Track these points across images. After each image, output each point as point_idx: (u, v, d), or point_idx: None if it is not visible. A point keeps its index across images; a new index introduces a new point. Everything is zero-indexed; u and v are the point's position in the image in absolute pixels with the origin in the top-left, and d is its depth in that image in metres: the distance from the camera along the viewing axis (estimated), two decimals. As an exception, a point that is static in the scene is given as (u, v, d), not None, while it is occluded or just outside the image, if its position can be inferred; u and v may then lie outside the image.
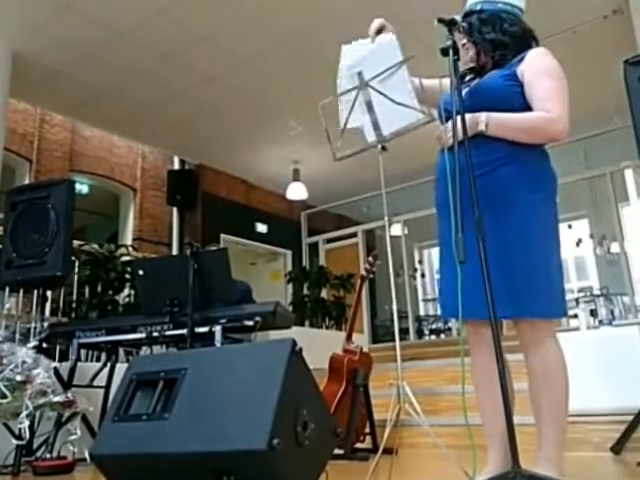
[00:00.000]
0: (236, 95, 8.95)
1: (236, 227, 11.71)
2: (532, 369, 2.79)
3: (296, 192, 11.95)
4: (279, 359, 2.45)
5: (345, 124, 3.09)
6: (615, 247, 10.86)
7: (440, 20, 2.74)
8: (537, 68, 2.82)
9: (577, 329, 5.42)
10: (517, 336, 2.81)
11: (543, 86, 2.77)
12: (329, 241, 13.17)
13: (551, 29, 7.10)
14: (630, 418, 3.55)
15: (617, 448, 3.57)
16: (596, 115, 8.96)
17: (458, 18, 2.80)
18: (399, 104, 2.92)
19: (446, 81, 2.85)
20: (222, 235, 11.19)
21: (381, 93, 2.97)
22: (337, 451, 3.88)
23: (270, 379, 2.38)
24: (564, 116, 2.71)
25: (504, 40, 2.95)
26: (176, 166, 11.35)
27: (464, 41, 2.99)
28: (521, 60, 2.85)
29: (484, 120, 2.74)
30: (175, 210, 11.21)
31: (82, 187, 10.29)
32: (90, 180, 10.33)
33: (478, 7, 3.01)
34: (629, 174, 4.75)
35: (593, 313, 10.17)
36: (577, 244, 13.47)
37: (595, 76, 8.13)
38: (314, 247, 13.33)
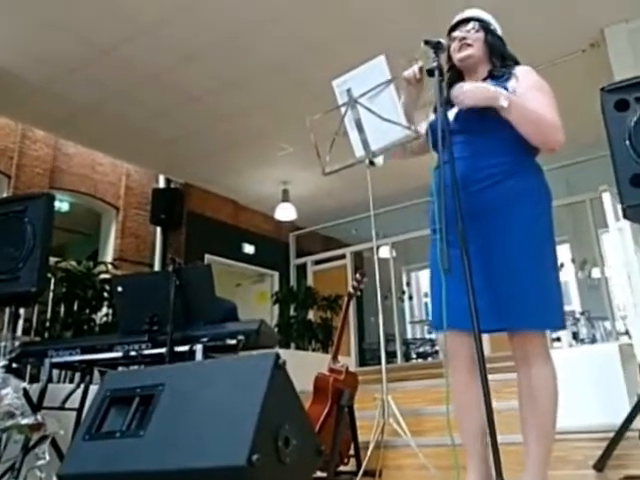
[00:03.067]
0: (224, 115, 8.93)
1: (222, 247, 11.64)
2: (520, 385, 2.83)
3: (285, 213, 11.92)
4: (261, 373, 2.36)
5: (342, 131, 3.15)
6: (596, 272, 10.98)
7: (426, 42, 2.89)
8: (530, 83, 2.94)
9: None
10: (512, 351, 2.85)
11: (544, 100, 2.88)
12: (317, 263, 13.14)
13: (531, 63, 7.30)
14: (611, 435, 3.56)
15: (600, 465, 3.57)
16: (577, 144, 9.19)
17: (444, 41, 2.95)
18: (387, 120, 2.99)
19: None
20: (207, 255, 11.11)
21: (369, 110, 3.04)
22: (320, 474, 3.81)
23: (251, 393, 2.30)
24: (562, 129, 2.83)
25: (506, 54, 3.13)
26: (161, 184, 11.25)
27: (465, 34, 3.09)
28: (510, 76, 2.97)
29: (506, 98, 2.78)
30: (159, 229, 11.09)
31: (62, 205, 10.16)
32: (71, 198, 10.19)
33: (491, 26, 3.18)
34: (607, 197, 4.80)
35: (575, 336, 10.26)
36: (560, 268, 13.52)
37: (575, 106, 8.31)
38: (302, 269, 13.31)
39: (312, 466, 2.67)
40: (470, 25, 3.10)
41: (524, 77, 2.98)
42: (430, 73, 2.88)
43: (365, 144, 3.09)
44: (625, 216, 3.53)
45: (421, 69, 2.98)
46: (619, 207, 3.41)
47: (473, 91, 2.85)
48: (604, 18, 7.11)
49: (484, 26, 3.12)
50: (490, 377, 2.48)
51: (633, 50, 6.99)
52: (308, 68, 7.61)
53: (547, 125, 2.81)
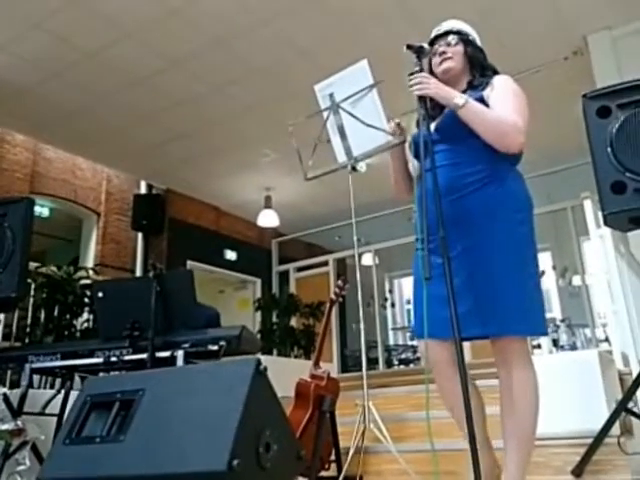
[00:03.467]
0: (207, 120, 8.93)
1: (204, 254, 11.61)
2: (501, 390, 2.87)
3: (267, 219, 11.92)
4: (242, 378, 2.36)
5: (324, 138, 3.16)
6: (577, 280, 11.05)
7: (409, 47, 2.91)
8: (504, 88, 3.00)
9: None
10: (493, 356, 2.91)
11: (510, 102, 2.94)
12: (300, 269, 13.13)
13: (514, 70, 7.40)
14: (590, 441, 3.59)
15: (578, 471, 3.60)
16: (558, 151, 9.33)
17: (426, 45, 3.01)
18: (369, 126, 2.99)
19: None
20: (189, 262, 11.09)
21: (352, 115, 3.04)
22: (301, 479, 3.80)
23: (232, 399, 2.29)
24: (524, 132, 2.88)
25: (485, 65, 3.19)
26: (143, 190, 11.24)
27: (445, 49, 3.14)
28: (487, 85, 3.03)
29: (462, 98, 2.86)
30: (140, 235, 11.08)
31: (43, 210, 10.15)
32: (52, 203, 10.15)
33: (470, 37, 3.22)
34: (588, 205, 4.83)
35: (555, 343, 10.30)
36: (541, 276, 13.59)
37: (558, 114, 8.56)
38: (284, 275, 13.29)
39: (293, 471, 2.66)
40: (450, 38, 3.15)
41: (498, 85, 3.03)
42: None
43: (347, 150, 3.09)
44: (606, 223, 3.54)
45: (398, 124, 3.06)
46: (600, 214, 3.41)
47: (436, 83, 2.90)
48: (587, 26, 7.17)
49: (463, 38, 3.17)
50: (478, 382, 2.50)
51: (616, 58, 7.05)
52: (292, 73, 7.63)
53: (503, 126, 2.86)
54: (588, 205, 4.84)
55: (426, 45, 3.01)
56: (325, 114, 3.14)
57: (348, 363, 12.55)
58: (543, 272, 13.30)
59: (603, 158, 3.36)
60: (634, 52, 6.93)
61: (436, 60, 3.14)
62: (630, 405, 3.60)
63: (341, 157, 3.15)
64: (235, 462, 2.09)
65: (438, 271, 2.59)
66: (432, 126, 2.98)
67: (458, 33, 3.17)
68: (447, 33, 3.17)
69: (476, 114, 2.85)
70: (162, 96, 8.25)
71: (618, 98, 3.41)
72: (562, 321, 11.16)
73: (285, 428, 2.57)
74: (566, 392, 4.12)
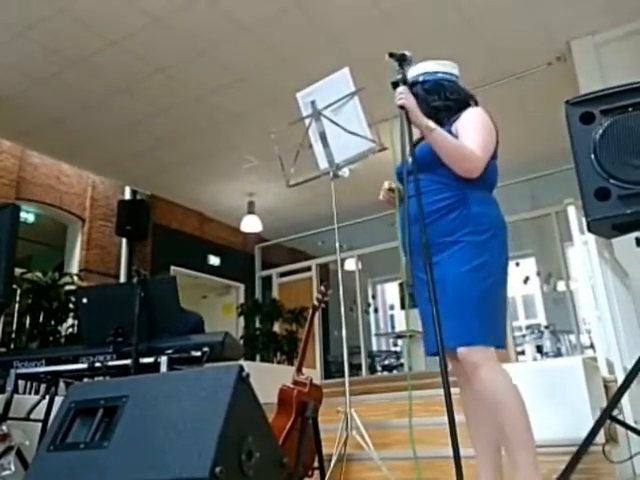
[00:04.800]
0: (191, 127, 8.95)
1: (188, 259, 11.60)
2: (474, 401, 3.00)
3: (250, 225, 11.92)
4: (225, 385, 2.37)
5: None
6: (561, 286, 11.07)
7: (391, 55, 2.91)
8: (468, 122, 3.15)
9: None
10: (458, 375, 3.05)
11: (471, 136, 3.08)
12: (283, 275, 13.17)
13: (498, 75, 7.67)
14: (575, 449, 3.54)
15: (563, 479, 3.50)
16: (542, 157, 9.39)
17: (408, 53, 3.05)
18: (351, 133, 3.00)
19: None
20: (173, 267, 11.06)
21: (333, 122, 3.04)
22: (284, 486, 3.80)
23: (215, 406, 2.30)
24: (483, 161, 3.04)
25: (448, 104, 3.27)
26: (127, 196, 11.23)
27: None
28: (457, 119, 3.17)
29: (433, 125, 2.99)
30: (124, 241, 11.04)
31: (28, 216, 10.10)
32: (37, 209, 10.11)
33: (420, 79, 3.30)
34: (572, 211, 4.83)
35: (540, 349, 10.34)
36: (525, 282, 13.64)
37: (541, 120, 8.64)
38: (267, 281, 13.32)
39: (275, 479, 2.68)
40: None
41: (466, 118, 3.18)
42: (395, 86, 2.97)
43: (329, 156, 3.10)
44: (590, 230, 3.54)
45: (391, 189, 3.21)
46: (584, 220, 3.42)
47: (413, 104, 2.99)
48: (571, 31, 7.21)
49: (417, 98, 3.19)
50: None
51: (599, 63, 7.09)
52: (275, 81, 7.65)
53: (463, 151, 3.01)
54: (572, 211, 4.83)
55: (408, 53, 3.04)
56: (307, 121, 3.14)
57: (331, 369, 12.57)
58: (527, 278, 13.39)
59: (586, 164, 3.36)
60: (617, 58, 6.97)
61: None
62: (615, 413, 3.59)
63: (323, 164, 3.17)
64: (217, 469, 2.09)
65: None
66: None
67: (422, 83, 3.28)
68: (414, 84, 3.27)
69: (442, 138, 2.99)
70: (146, 103, 8.27)
71: (601, 104, 3.41)
72: (546, 327, 11.22)
73: (268, 435, 2.58)
74: (550, 400, 4.10)
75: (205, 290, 12.84)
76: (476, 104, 3.33)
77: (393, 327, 16.90)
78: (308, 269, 12.68)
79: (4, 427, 3.87)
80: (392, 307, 17.57)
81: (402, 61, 2.99)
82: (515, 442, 2.78)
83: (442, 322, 2.65)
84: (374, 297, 16.10)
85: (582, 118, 3.44)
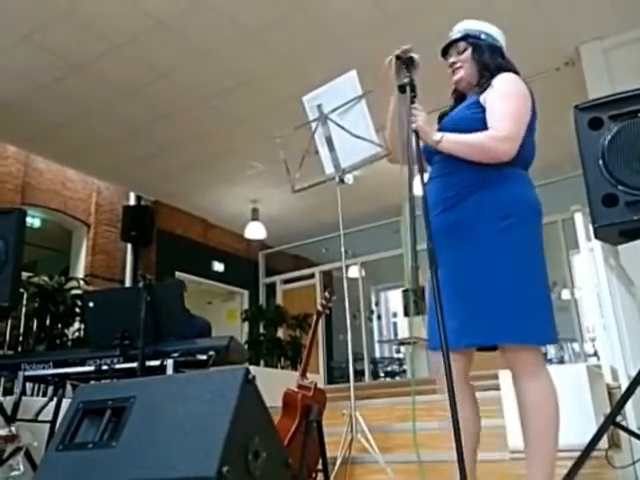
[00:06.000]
0: (195, 132, 8.96)
1: (192, 265, 11.63)
2: (518, 401, 2.83)
3: (254, 232, 11.94)
4: (232, 387, 2.39)
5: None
6: (565, 294, 11.01)
7: (398, 57, 2.83)
8: (498, 93, 2.98)
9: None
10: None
11: (499, 109, 2.92)
12: (286, 282, 13.18)
13: None
14: (576, 454, 3.47)
15: None
16: (550, 164, 9.25)
17: (416, 56, 2.93)
18: (357, 137, 2.95)
19: None
20: (177, 273, 11.09)
21: (340, 126, 2.99)
22: (289, 488, 3.82)
23: (221, 407, 2.32)
24: (513, 136, 2.87)
25: (497, 65, 3.14)
26: (132, 202, 11.26)
27: (454, 59, 3.16)
28: (488, 86, 3.02)
29: (438, 135, 2.87)
30: (129, 246, 11.07)
31: (34, 221, 10.15)
32: (42, 214, 10.16)
33: (482, 36, 3.20)
34: (579, 217, 4.79)
35: (545, 356, 10.29)
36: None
37: (549, 125, 8.31)
38: (271, 287, 13.33)
39: (281, 479, 2.70)
40: (459, 45, 3.16)
41: (497, 86, 3.02)
42: (402, 89, 2.87)
43: (335, 161, 3.06)
44: (596, 236, 3.47)
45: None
46: (591, 227, 3.39)
47: (423, 120, 2.87)
48: (579, 36, 7.14)
49: (473, 42, 3.16)
50: (478, 394, 2.47)
51: (608, 69, 7.01)
52: (279, 85, 7.66)
53: (483, 143, 2.86)
54: (579, 218, 4.79)
55: (416, 56, 2.95)
56: (313, 125, 3.10)
57: (334, 375, 12.57)
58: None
59: (594, 170, 3.30)
60: (626, 63, 6.89)
61: (449, 71, 3.19)
62: (618, 419, 3.56)
63: (329, 169, 3.12)
64: (224, 469, 2.11)
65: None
66: None
67: (467, 37, 3.16)
68: (455, 41, 3.18)
69: (453, 143, 2.88)
70: (150, 108, 8.28)
71: (610, 109, 3.35)
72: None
73: (273, 436, 2.60)
74: None
75: (210, 296, 12.86)
76: (518, 74, 3.21)
77: (396, 334, 16.88)
78: (312, 276, 12.70)
79: (13, 428, 3.90)
80: (395, 314, 17.53)
81: (409, 64, 2.89)
82: (535, 454, 2.76)
83: (486, 313, 2.65)
84: (377, 304, 16.11)
85: (591, 123, 3.39)
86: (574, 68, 7.47)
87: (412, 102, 2.84)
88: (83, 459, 2.43)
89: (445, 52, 3.23)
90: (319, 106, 3.08)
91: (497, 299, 2.75)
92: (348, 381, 5.13)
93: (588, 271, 4.78)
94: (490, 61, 3.15)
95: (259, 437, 2.40)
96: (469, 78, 3.15)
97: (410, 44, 2.96)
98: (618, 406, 3.51)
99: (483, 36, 3.20)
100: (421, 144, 2.86)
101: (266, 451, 2.41)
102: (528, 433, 2.77)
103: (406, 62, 2.89)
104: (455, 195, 2.91)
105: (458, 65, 3.14)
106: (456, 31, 3.22)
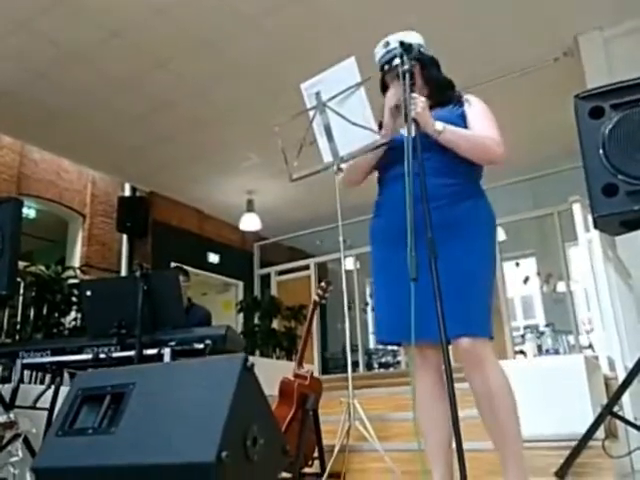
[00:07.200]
0: (190, 123, 8.92)
1: (187, 256, 11.60)
2: (477, 392, 2.88)
3: (249, 223, 11.92)
4: (230, 374, 2.41)
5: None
6: (561, 286, 11.03)
7: (402, 43, 2.83)
8: (480, 110, 3.10)
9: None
10: (460, 359, 2.91)
11: (487, 123, 3.05)
12: (281, 273, 13.16)
13: (502, 71, 7.52)
14: (573, 444, 3.60)
15: (561, 473, 3.60)
16: (545, 156, 9.36)
17: (415, 42, 3.00)
18: (356, 125, 2.94)
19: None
20: (173, 264, 11.06)
21: (338, 114, 2.98)
22: (285, 475, 3.85)
23: (220, 393, 2.34)
24: (503, 145, 2.96)
25: (442, 80, 3.23)
26: (127, 193, 11.26)
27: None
28: (462, 103, 3.13)
29: (440, 124, 2.91)
30: (125, 237, 11.09)
31: (29, 211, 10.13)
32: (38, 205, 10.15)
33: (422, 49, 3.17)
34: (577, 208, 4.80)
35: (540, 349, 10.32)
36: (524, 282, 13.64)
37: (544, 117, 8.47)
38: (266, 279, 13.33)
39: (279, 465, 2.72)
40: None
41: (475, 103, 3.13)
42: (402, 76, 2.82)
43: (334, 150, 3.05)
44: (596, 226, 3.51)
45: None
46: (589, 218, 3.38)
47: (423, 108, 2.86)
48: (578, 26, 7.09)
49: (417, 58, 3.04)
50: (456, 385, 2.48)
51: (607, 59, 6.94)
52: (279, 74, 7.55)
53: (486, 141, 2.96)
54: (577, 209, 4.79)
55: (415, 42, 3.00)
56: (311, 113, 3.09)
57: (329, 365, 12.60)
58: (527, 278, 13.40)
59: (595, 160, 3.31)
60: (626, 53, 6.82)
61: (391, 92, 3.11)
62: (615, 409, 3.61)
63: (327, 157, 3.09)
64: (224, 454, 2.14)
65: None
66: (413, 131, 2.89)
67: (406, 53, 2.96)
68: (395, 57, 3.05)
69: (458, 136, 2.94)
70: (145, 98, 8.24)
71: (612, 98, 3.35)
72: (547, 326, 11.20)
73: (271, 423, 2.63)
74: (552, 395, 4.13)
75: (205, 287, 12.84)
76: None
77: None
78: (306, 268, 12.69)
79: (11, 415, 3.93)
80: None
81: (408, 52, 2.86)
82: (511, 436, 2.80)
83: (445, 309, 2.60)
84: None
85: (591, 112, 3.39)
86: (573, 59, 7.38)
87: (411, 90, 2.82)
88: (83, 444, 2.44)
89: (382, 68, 3.20)
90: (317, 94, 3.05)
91: (479, 293, 2.89)
92: (342, 372, 5.16)
93: (586, 262, 4.80)
94: (437, 77, 3.22)
95: (257, 423, 2.43)
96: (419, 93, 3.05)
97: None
98: (615, 396, 3.58)
99: (422, 50, 3.18)
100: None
101: (264, 437, 2.44)
102: (498, 423, 2.82)
103: (406, 49, 2.85)
104: (454, 194, 2.97)
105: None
106: (392, 48, 3.09)
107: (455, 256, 2.86)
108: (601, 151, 3.31)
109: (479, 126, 3.01)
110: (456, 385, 2.51)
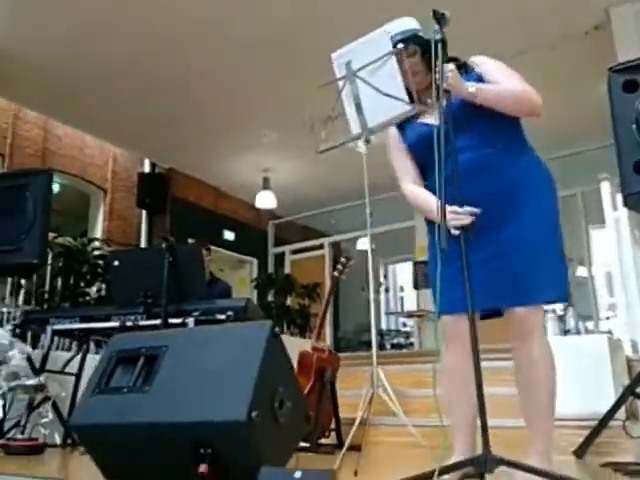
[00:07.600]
0: (209, 99, 8.90)
1: (204, 233, 11.59)
2: (519, 362, 2.84)
3: (265, 201, 11.92)
4: (259, 339, 2.52)
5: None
6: (581, 271, 10.94)
7: (434, 13, 2.74)
8: (495, 66, 2.95)
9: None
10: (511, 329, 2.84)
11: (508, 73, 2.89)
12: (295, 252, 13.23)
13: (529, 44, 7.11)
14: (593, 424, 3.59)
15: (580, 452, 3.56)
16: (570, 134, 9.08)
17: (448, 13, 2.77)
18: (386, 95, 2.87)
19: None
20: (190, 240, 11.13)
21: (369, 84, 2.91)
22: (303, 444, 3.92)
23: (250, 356, 2.45)
24: None
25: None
26: (147, 169, 11.33)
27: (418, 67, 2.97)
28: (471, 67, 2.97)
29: (473, 87, 2.78)
30: (144, 213, 11.19)
31: (54, 186, 10.16)
32: (61, 179, 10.17)
33: (421, 34, 2.99)
34: (605, 186, 4.72)
35: (562, 330, 10.27)
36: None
37: (572, 94, 8.11)
38: (280, 257, 13.41)
39: (301, 429, 2.81)
40: (410, 50, 2.94)
41: (488, 62, 2.98)
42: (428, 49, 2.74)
43: (362, 120, 2.99)
44: (625, 204, 3.44)
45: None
46: (618, 197, 3.29)
47: (454, 77, 2.73)
48: None
49: (420, 44, 2.95)
50: (485, 364, 2.47)
51: (638, 32, 6.68)
52: (299, 50, 7.39)
53: (527, 94, 2.83)
54: (605, 187, 4.69)
55: (448, 13, 2.77)
56: (340, 84, 3.02)
57: (341, 345, 12.66)
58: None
59: (627, 135, 3.21)
60: None
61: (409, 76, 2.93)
62: (638, 390, 3.57)
63: (356, 128, 3.03)
64: (254, 414, 2.25)
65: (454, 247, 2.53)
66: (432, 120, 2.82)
67: (418, 41, 2.95)
68: (406, 41, 2.95)
69: (495, 94, 2.81)
70: (162, 76, 8.19)
71: None
72: (569, 306, 11.14)
73: (296, 388, 2.74)
74: (574, 374, 4.03)
75: (220, 264, 12.92)
76: None
77: (403, 307, 16.94)
78: (320, 247, 12.75)
79: (41, 378, 4.06)
80: (402, 289, 17.55)
81: (441, 21, 2.74)
82: (544, 412, 2.77)
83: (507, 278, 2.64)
84: (385, 277, 16.18)
85: (625, 86, 3.30)
86: (604, 32, 7.04)
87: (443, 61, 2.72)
88: (118, 402, 2.56)
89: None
90: (348, 63, 2.99)
91: (538, 263, 2.77)
92: (354, 351, 5.15)
93: (612, 242, 4.74)
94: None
95: (284, 387, 2.54)
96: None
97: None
98: (638, 377, 3.56)
99: (426, 37, 2.97)
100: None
101: (290, 401, 2.55)
102: (537, 394, 2.78)
103: (439, 19, 2.73)
104: (500, 161, 2.85)
105: (416, 69, 2.96)
106: (397, 34, 2.99)
107: (521, 223, 2.79)
108: (634, 126, 3.21)
109: (506, 80, 2.87)
110: (486, 364, 2.50)
